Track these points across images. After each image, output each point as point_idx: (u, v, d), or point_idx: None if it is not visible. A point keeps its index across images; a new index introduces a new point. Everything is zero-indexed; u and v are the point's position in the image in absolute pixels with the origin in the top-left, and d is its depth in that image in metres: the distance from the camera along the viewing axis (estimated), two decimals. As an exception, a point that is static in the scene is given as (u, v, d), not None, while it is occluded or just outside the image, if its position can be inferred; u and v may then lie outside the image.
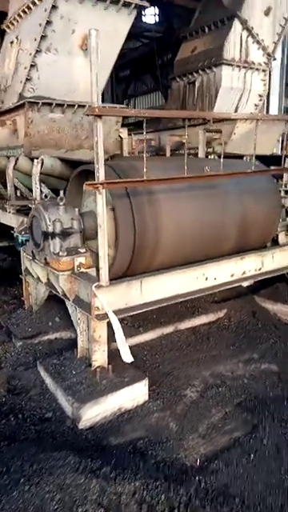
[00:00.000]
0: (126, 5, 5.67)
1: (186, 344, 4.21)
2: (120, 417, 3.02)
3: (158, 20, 23.06)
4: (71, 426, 2.89)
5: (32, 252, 3.74)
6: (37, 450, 2.52)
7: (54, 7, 5.27)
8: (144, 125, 2.95)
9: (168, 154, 7.97)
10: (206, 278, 3.61)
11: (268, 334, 4.40)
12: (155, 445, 2.75)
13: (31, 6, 5.65)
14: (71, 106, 5.56)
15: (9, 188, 5.27)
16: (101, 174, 2.77)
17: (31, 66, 5.53)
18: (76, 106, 5.55)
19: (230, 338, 4.32)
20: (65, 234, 3.33)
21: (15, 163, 5.15)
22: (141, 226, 3.38)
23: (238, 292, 5.13)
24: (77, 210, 3.43)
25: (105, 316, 3.03)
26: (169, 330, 4.43)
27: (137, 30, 23.25)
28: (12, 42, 6.34)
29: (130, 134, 9.33)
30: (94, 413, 2.90)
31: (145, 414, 3.07)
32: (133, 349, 3.98)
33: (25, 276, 4.29)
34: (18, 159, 5.14)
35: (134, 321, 4.42)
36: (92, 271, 3.36)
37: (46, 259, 3.45)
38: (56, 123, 5.63)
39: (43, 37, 5.38)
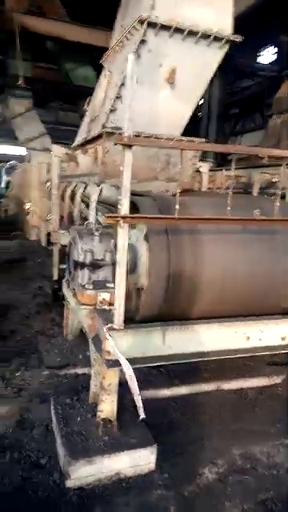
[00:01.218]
0: (217, 39, 5.52)
1: (225, 409, 3.64)
2: (116, 483, 2.61)
3: (275, 59, 22.77)
4: (58, 481, 2.58)
5: (67, 280, 3.61)
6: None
7: (143, 41, 5.34)
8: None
9: (255, 192, 7.54)
10: (248, 338, 3.05)
11: None
12: (142, 532, 2.30)
13: (124, 40, 5.84)
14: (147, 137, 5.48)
15: (75, 212, 5.34)
16: (124, 206, 2.51)
17: (116, 97, 5.66)
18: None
19: (279, 412, 3.62)
20: (95, 265, 3.13)
21: (84, 190, 5.21)
22: (177, 266, 3.02)
23: (303, 357, 4.36)
24: (113, 241, 3.22)
25: (117, 363, 2.70)
26: (210, 387, 3.90)
27: (251, 69, 23.21)
28: (105, 76, 6.62)
29: (220, 170, 9.08)
30: (85, 472, 2.55)
31: (146, 487, 2.62)
32: (162, 402, 3.58)
33: (66, 303, 4.18)
34: (86, 186, 5.19)
35: (172, 369, 3.99)
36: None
37: (74, 289, 3.28)
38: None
39: (130, 70, 5.47)
